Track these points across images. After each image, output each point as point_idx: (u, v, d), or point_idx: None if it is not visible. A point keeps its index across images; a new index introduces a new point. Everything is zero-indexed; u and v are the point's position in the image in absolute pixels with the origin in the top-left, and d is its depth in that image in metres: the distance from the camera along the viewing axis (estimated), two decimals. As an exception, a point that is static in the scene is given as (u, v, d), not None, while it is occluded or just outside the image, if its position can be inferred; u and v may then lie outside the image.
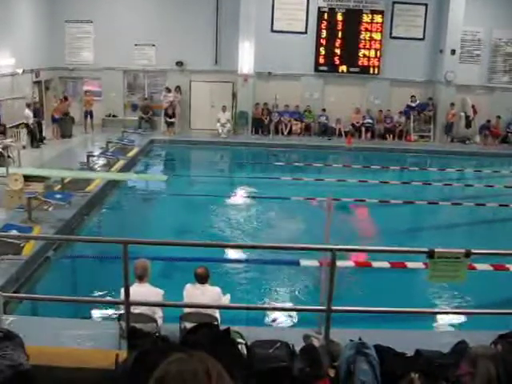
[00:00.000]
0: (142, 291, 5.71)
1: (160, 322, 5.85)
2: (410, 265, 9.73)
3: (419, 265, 9.10)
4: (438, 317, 7.88)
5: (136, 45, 23.16)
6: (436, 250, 4.67)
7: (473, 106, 22.98)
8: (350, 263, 9.66)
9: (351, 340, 4.40)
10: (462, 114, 23.25)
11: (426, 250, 4.73)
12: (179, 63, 23.30)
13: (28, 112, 18.75)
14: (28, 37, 20.65)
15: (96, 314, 7.81)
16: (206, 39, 22.98)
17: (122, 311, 5.43)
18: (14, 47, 19.18)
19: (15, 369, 3.41)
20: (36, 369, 4.41)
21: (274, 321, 7.76)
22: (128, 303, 4.71)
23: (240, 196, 15.64)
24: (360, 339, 4.35)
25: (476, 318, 7.38)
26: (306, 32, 23.11)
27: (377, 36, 23.10)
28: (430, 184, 17.64)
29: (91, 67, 23.43)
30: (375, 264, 9.97)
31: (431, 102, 23.52)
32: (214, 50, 23.20)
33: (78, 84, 24.21)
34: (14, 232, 9.44)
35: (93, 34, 23.22)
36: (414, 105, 23.40)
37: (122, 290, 5.06)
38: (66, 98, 21.97)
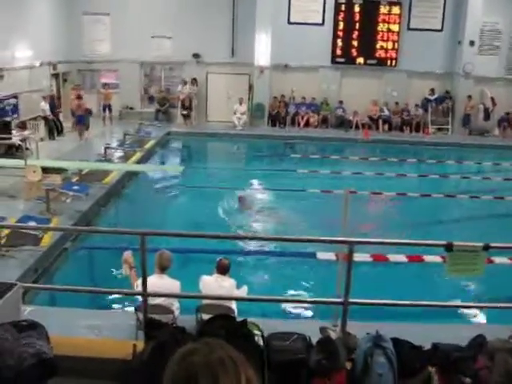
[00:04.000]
0: (160, 282, 5.74)
1: (177, 313, 5.88)
2: (427, 258, 9.68)
3: (436, 258, 9.06)
4: (455, 310, 7.82)
5: (153, 37, 23.20)
6: (454, 243, 4.63)
7: (492, 98, 22.72)
8: (366, 256, 9.61)
9: (368, 333, 4.39)
10: (481, 106, 23.02)
11: (444, 243, 4.69)
12: (196, 55, 23.31)
13: (44, 104, 18.86)
14: (45, 29, 20.76)
15: (113, 304, 7.87)
16: (222, 31, 22.96)
17: (140, 302, 5.46)
18: (32, 40, 19.30)
19: (39, 357, 3.46)
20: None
21: (290, 313, 7.76)
22: (146, 294, 4.73)
23: (256, 188, 15.63)
24: (377, 332, 4.34)
25: (494, 312, 7.32)
26: (323, 24, 23.01)
27: (394, 27, 22.92)
28: (447, 177, 17.50)
29: (108, 59, 23.51)
30: (392, 257, 9.92)
31: (449, 94, 23.29)
32: (230, 42, 23.18)
33: (95, 76, 24.34)
34: (33, 223, 9.54)
35: (110, 26, 23.30)
36: (432, 98, 23.20)
37: (139, 281, 5.08)
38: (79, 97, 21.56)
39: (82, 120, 19.45)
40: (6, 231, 9.27)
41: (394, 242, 8.23)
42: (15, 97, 18.29)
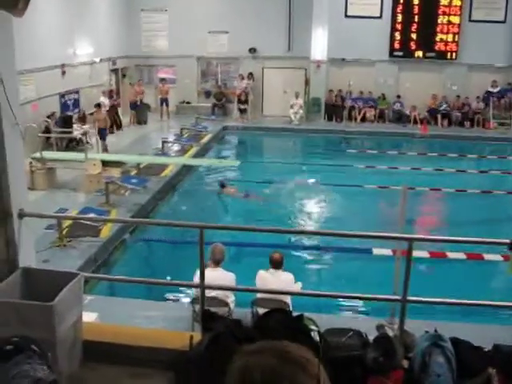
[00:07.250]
0: (215, 275, 5.77)
1: (232, 306, 5.92)
2: (487, 256, 9.42)
3: (497, 257, 8.81)
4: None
5: (209, 32, 23.37)
6: (518, 241, 4.47)
7: (557, 92, 21.87)
8: (424, 253, 9.44)
9: (426, 331, 4.30)
10: (546, 100, 22.17)
11: (507, 241, 4.54)
12: (252, 50, 23.35)
13: (103, 99, 19.29)
14: (105, 26, 21.23)
15: (170, 296, 7.98)
16: (278, 25, 22.89)
17: (196, 294, 5.51)
18: (92, 37, 19.78)
19: None
20: (111, 347, 4.56)
21: (345, 309, 7.70)
22: (203, 286, 4.77)
23: (312, 183, 15.53)
24: (436, 331, 4.25)
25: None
26: (380, 17, 22.61)
27: (455, 19, 22.28)
28: (509, 173, 16.95)
29: (166, 55, 23.85)
30: (451, 255, 9.70)
31: (512, 86, 22.55)
32: (286, 37, 23.09)
33: (152, 71, 24.75)
34: (93, 215, 9.79)
35: (167, 22, 23.60)
36: (495, 90, 22.49)
37: (198, 273, 5.13)
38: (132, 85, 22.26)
39: (103, 134, 16.65)
40: (68, 222, 9.55)
41: (455, 240, 7.98)
42: (76, 92, 18.79)
